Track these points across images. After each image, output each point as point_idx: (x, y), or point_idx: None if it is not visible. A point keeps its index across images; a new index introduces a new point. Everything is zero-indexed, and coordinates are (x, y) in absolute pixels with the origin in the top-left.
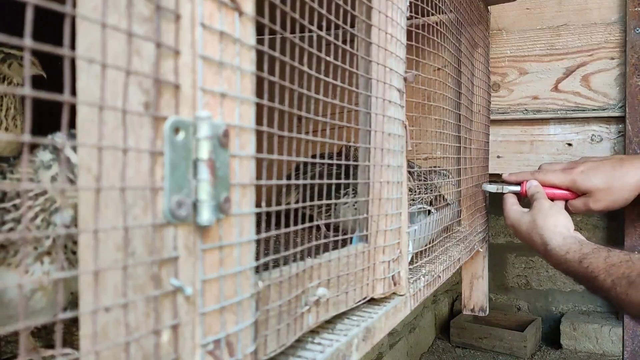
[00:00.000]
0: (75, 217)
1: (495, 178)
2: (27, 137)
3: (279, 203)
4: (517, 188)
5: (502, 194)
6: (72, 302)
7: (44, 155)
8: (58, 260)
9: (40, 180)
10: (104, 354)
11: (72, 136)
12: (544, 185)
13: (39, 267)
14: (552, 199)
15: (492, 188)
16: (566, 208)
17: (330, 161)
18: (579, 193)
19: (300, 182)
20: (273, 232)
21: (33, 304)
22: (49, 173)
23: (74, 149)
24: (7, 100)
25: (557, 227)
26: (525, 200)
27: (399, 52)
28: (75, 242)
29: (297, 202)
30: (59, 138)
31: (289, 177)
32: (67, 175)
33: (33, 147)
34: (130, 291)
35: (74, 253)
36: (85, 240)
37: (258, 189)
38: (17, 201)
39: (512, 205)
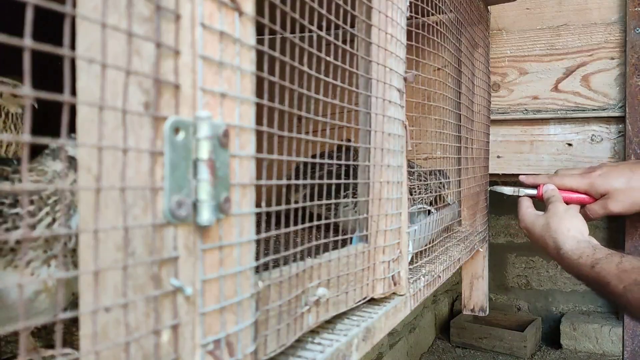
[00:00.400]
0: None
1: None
2: (27, 137)
3: (283, 201)
4: (534, 191)
5: (518, 196)
6: (73, 302)
7: (55, 166)
8: (63, 262)
9: (60, 189)
10: (104, 354)
11: (72, 139)
12: (561, 189)
13: (45, 270)
14: (567, 203)
15: (508, 190)
16: (583, 213)
17: (329, 161)
18: (596, 197)
19: (301, 182)
20: (273, 232)
21: (37, 305)
22: (67, 181)
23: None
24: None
25: (570, 230)
26: (541, 204)
27: (399, 52)
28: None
29: (297, 201)
30: (71, 147)
31: (289, 178)
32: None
33: (35, 151)
34: (130, 291)
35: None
36: (85, 240)
37: (258, 188)
38: (31, 208)
39: (526, 209)
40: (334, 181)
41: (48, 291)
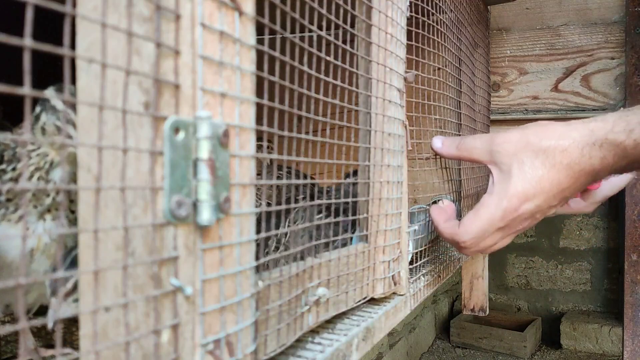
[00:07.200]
0: (73, 172)
1: None
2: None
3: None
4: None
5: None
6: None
7: (35, 109)
8: (59, 217)
9: (34, 135)
10: (104, 354)
11: (61, 90)
12: None
13: (41, 225)
14: None
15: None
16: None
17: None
18: None
19: (301, 181)
20: (273, 232)
21: (36, 266)
22: (38, 125)
23: (70, 103)
24: None
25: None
26: None
27: (399, 52)
28: (72, 201)
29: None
30: (49, 90)
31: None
32: (55, 122)
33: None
34: (130, 291)
35: (73, 212)
36: (85, 240)
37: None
38: (15, 164)
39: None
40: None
41: (43, 250)
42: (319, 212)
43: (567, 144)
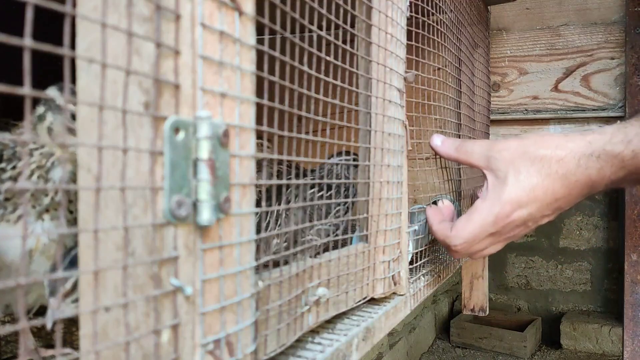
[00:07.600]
0: (74, 172)
1: None
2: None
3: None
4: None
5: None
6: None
7: (38, 109)
8: (59, 217)
9: (38, 134)
10: (104, 354)
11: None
12: None
13: (40, 225)
14: None
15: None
16: None
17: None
18: None
19: (301, 182)
20: (273, 232)
21: (35, 267)
22: (44, 124)
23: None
24: None
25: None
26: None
27: (399, 51)
28: (71, 201)
29: None
30: (52, 90)
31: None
32: (64, 122)
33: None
34: (130, 291)
35: (72, 212)
36: (85, 240)
37: None
38: (15, 163)
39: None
40: (338, 176)
41: (42, 250)
42: (312, 187)
43: (564, 154)
